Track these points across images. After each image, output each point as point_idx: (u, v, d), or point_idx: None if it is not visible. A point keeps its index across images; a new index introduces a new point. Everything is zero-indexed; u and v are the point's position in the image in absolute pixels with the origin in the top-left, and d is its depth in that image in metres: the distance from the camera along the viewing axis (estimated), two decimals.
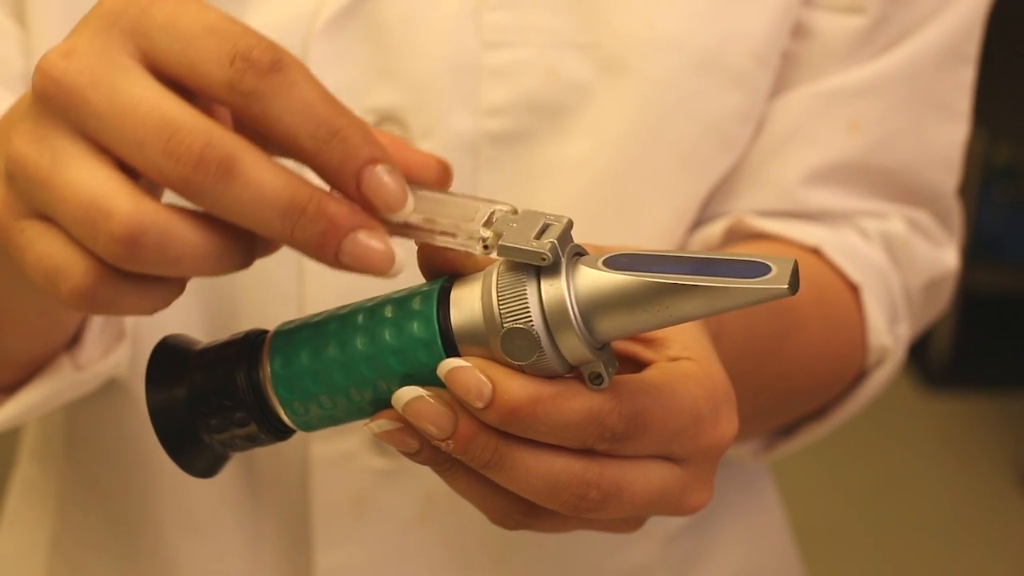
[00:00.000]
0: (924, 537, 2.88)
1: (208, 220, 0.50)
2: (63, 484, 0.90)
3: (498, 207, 0.55)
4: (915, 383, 3.41)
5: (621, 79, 0.79)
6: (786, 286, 0.50)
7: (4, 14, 0.79)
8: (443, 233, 0.54)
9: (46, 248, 0.51)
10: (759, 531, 0.96)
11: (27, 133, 0.51)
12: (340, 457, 0.82)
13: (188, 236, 0.50)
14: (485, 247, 0.53)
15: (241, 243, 0.51)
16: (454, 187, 0.77)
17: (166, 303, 0.53)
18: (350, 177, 0.50)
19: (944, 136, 0.87)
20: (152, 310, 0.53)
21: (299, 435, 0.81)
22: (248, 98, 0.49)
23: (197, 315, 0.81)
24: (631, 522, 0.61)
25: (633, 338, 0.59)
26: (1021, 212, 3.51)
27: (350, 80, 0.77)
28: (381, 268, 0.51)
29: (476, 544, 0.85)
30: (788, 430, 0.88)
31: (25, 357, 0.74)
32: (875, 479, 3.06)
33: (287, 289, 0.79)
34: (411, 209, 0.52)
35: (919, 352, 3.39)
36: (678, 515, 0.59)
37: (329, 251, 0.50)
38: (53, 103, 0.50)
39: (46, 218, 0.51)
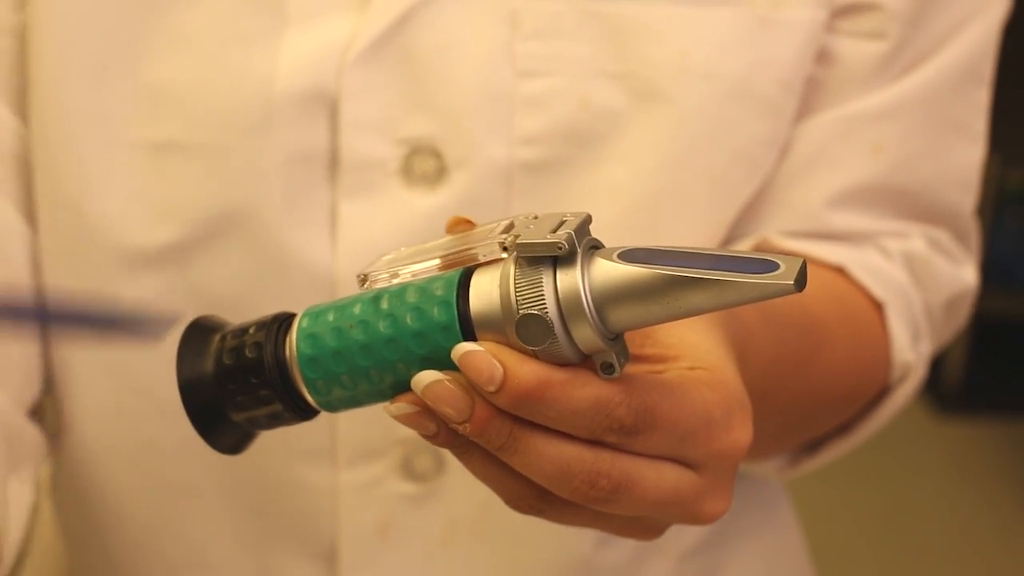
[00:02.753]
0: (935, 561, 2.88)
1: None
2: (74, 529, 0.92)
3: (518, 216, 0.57)
4: (927, 408, 3.40)
5: (653, 108, 0.80)
6: (792, 283, 0.51)
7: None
8: (468, 258, 0.57)
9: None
10: (776, 550, 0.97)
11: None
12: (368, 483, 0.83)
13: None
14: (505, 249, 0.55)
15: None
16: (487, 216, 0.80)
17: None
18: None
19: (962, 157, 0.89)
20: None
21: (328, 464, 0.83)
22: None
23: None
24: (650, 527, 0.62)
25: (646, 355, 0.60)
26: None
27: (384, 110, 0.79)
28: None
29: (499, 567, 0.86)
30: (812, 446, 0.90)
31: None
32: (887, 503, 3.05)
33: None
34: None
35: (931, 377, 3.35)
36: (695, 523, 0.60)
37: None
38: None
39: None
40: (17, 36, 0.81)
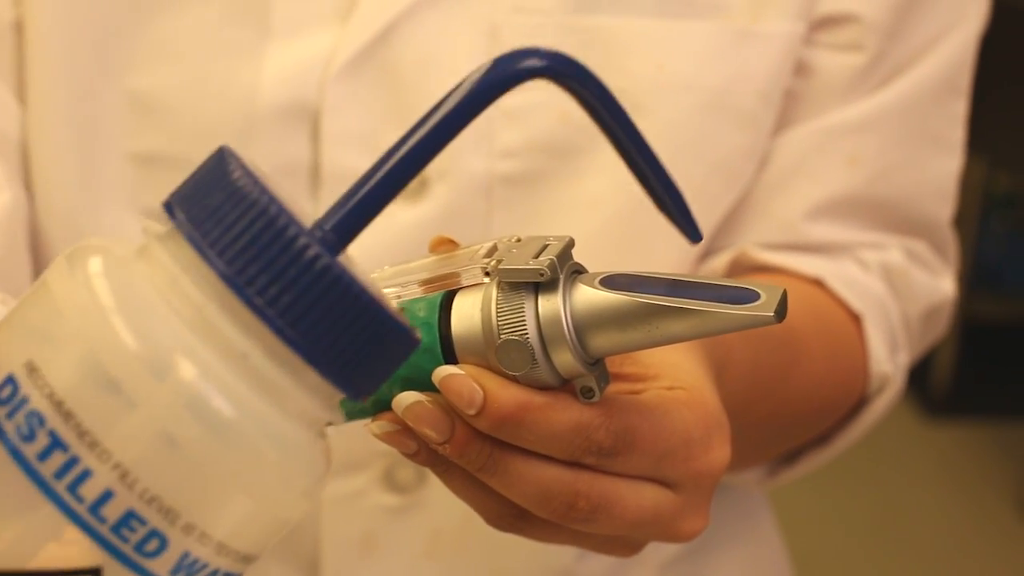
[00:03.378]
0: (925, 565, 2.88)
1: None
2: None
3: (501, 239, 0.57)
4: (916, 411, 3.41)
5: (634, 120, 0.80)
6: (772, 314, 0.52)
7: (7, 89, 0.80)
8: (451, 283, 0.57)
9: None
10: (757, 560, 0.97)
11: None
12: (351, 494, 0.84)
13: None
14: (487, 274, 0.56)
15: None
16: (468, 228, 0.80)
17: None
18: None
19: (940, 168, 0.89)
20: None
21: None
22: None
23: None
24: (628, 545, 0.62)
25: (626, 374, 0.61)
26: (1021, 241, 3.52)
27: (366, 124, 0.79)
28: None
29: None
30: (790, 457, 0.90)
31: None
32: (876, 507, 3.06)
33: None
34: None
35: (920, 381, 3.40)
36: (673, 541, 0.60)
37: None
38: None
39: None
40: (17, 29, 0.81)
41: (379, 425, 0.57)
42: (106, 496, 0.42)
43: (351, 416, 0.59)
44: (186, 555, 0.44)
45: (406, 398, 0.56)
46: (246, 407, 0.43)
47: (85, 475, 0.42)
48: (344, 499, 0.83)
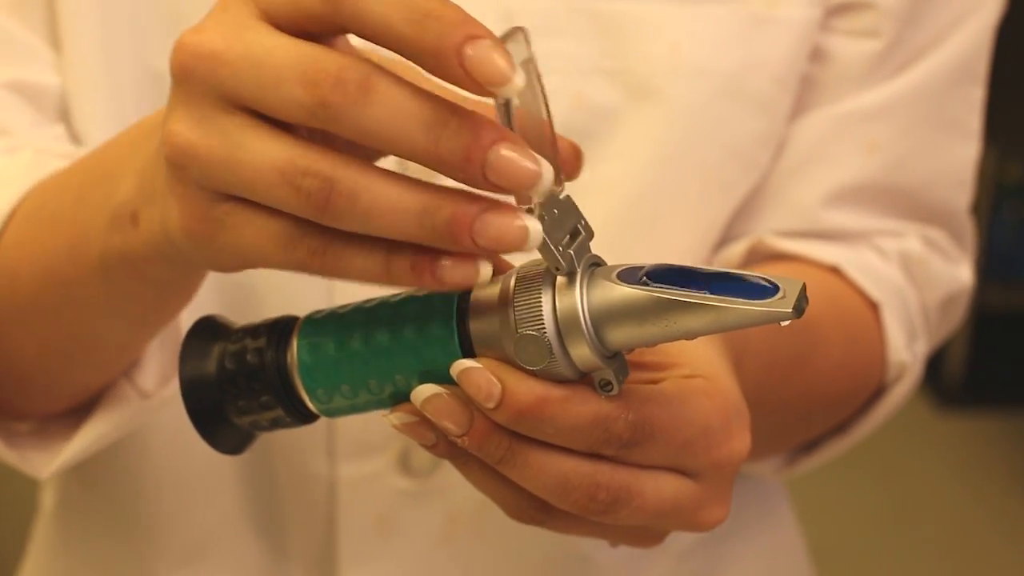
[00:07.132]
0: (938, 556, 2.88)
1: (402, 179, 0.51)
2: (81, 512, 0.91)
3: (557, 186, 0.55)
4: (929, 402, 3.41)
5: (648, 104, 0.80)
6: (791, 309, 0.52)
7: (40, 39, 0.80)
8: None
9: (260, 223, 0.52)
10: (775, 549, 0.97)
11: (184, 119, 0.52)
12: (366, 477, 0.84)
13: (379, 187, 0.50)
14: (529, 210, 0.53)
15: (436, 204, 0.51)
16: None
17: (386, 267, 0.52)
18: (452, 56, 0.49)
19: (957, 155, 0.89)
20: (375, 276, 0.52)
21: (326, 457, 0.83)
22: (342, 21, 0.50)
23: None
24: (650, 536, 0.62)
25: (644, 362, 0.60)
26: None
27: None
28: (525, 184, 0.50)
29: (498, 564, 0.86)
30: (809, 446, 0.90)
31: (89, 387, 0.75)
32: (889, 497, 3.06)
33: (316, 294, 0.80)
34: (521, 84, 0.49)
35: (933, 371, 3.38)
36: (694, 531, 0.60)
37: (475, 164, 0.50)
38: (195, 75, 0.51)
39: (232, 197, 0.53)
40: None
41: (398, 416, 0.57)
42: None
43: (369, 407, 0.59)
44: None
45: (425, 391, 0.56)
46: None
47: None
48: (359, 482, 0.84)
